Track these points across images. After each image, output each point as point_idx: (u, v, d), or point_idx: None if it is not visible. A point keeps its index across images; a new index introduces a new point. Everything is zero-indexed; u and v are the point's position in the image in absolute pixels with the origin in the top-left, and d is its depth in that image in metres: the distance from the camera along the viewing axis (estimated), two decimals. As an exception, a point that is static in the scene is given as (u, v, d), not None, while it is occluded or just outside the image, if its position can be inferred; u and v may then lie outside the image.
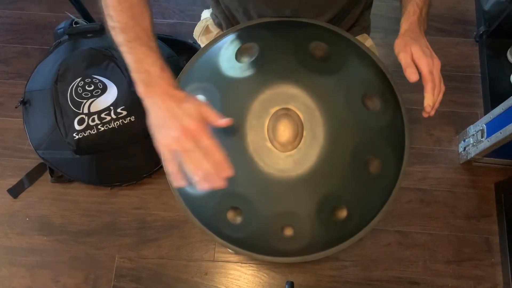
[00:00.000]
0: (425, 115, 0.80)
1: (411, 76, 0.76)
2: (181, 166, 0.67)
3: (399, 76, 0.82)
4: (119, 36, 0.72)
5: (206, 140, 0.65)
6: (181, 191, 0.83)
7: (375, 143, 0.79)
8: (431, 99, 0.77)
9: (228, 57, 0.82)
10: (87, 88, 1.41)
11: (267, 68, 0.77)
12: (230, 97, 0.77)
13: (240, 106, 0.75)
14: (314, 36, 0.84)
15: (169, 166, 0.68)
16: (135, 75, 0.71)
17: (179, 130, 0.66)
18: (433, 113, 0.80)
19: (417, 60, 0.77)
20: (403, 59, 0.77)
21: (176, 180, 0.68)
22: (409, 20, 0.82)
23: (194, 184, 0.67)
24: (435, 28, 1.88)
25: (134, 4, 0.73)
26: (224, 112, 0.77)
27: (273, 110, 0.75)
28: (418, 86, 0.80)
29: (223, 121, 0.68)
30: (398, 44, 0.80)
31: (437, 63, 0.78)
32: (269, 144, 0.74)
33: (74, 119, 1.39)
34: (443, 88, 0.80)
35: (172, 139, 0.66)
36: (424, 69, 0.76)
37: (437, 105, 0.80)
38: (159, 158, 0.82)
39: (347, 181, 0.77)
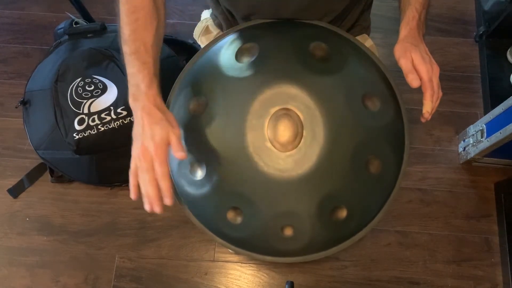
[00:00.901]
0: (423, 120, 0.81)
1: (413, 82, 0.77)
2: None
3: (399, 76, 0.82)
4: (123, 46, 0.77)
5: (158, 167, 0.71)
6: (181, 191, 0.83)
7: (375, 143, 0.79)
8: (430, 106, 0.79)
9: (228, 57, 0.82)
10: (87, 88, 1.41)
11: (267, 68, 0.77)
12: (230, 97, 0.78)
13: (240, 106, 0.75)
14: (314, 36, 0.84)
15: (130, 177, 0.75)
16: (128, 86, 0.76)
17: (140, 148, 0.72)
18: (429, 118, 0.81)
19: (417, 66, 0.78)
20: (404, 65, 0.78)
21: (131, 192, 0.75)
22: (409, 25, 0.83)
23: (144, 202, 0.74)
24: (435, 28, 1.88)
25: (140, 17, 0.77)
26: (224, 112, 0.77)
27: (273, 110, 0.75)
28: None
29: (179, 155, 0.72)
30: (398, 50, 0.80)
31: (436, 70, 0.79)
32: (269, 144, 0.74)
33: (74, 119, 1.39)
34: (440, 94, 0.81)
35: (137, 154, 0.73)
36: (424, 76, 0.78)
37: (434, 110, 0.81)
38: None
39: (347, 181, 0.77)
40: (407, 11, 0.84)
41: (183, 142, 0.79)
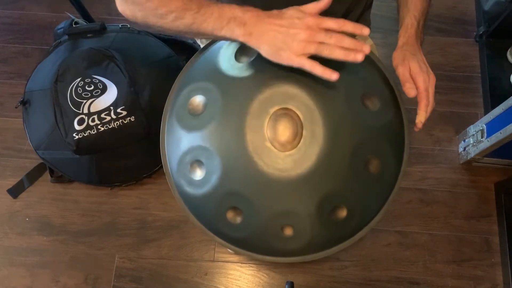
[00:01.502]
0: (416, 129, 0.83)
1: (410, 91, 0.78)
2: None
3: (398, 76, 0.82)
4: (182, 20, 0.72)
5: (329, 22, 0.66)
6: (181, 191, 0.83)
7: (375, 143, 0.79)
8: (423, 116, 0.81)
9: (228, 57, 0.82)
10: (87, 88, 1.41)
11: (267, 68, 0.77)
12: (229, 97, 0.77)
13: (239, 106, 0.75)
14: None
15: (316, 68, 0.67)
16: (225, 31, 0.70)
17: (303, 30, 0.65)
18: (422, 127, 0.83)
19: (414, 75, 0.79)
20: (402, 73, 0.79)
21: (331, 73, 0.67)
22: (407, 33, 0.83)
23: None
24: (435, 28, 1.88)
25: None
26: (223, 112, 0.77)
27: (272, 110, 0.75)
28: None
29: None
30: (396, 58, 0.81)
31: (432, 80, 0.80)
32: (268, 144, 0.74)
33: (74, 119, 1.39)
34: (434, 104, 0.82)
35: (305, 42, 0.66)
36: (421, 86, 0.79)
37: (426, 119, 0.83)
38: (159, 158, 0.83)
39: (347, 181, 0.77)
40: (405, 18, 0.84)
41: (182, 137, 0.79)
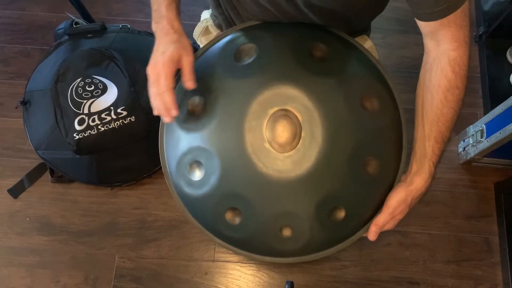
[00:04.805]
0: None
1: (372, 235, 0.82)
2: None
3: (397, 77, 0.82)
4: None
5: (163, 80, 0.75)
6: (180, 192, 0.83)
7: (374, 144, 0.79)
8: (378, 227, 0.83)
9: (227, 58, 0.82)
10: (87, 88, 1.41)
11: (266, 69, 0.77)
12: (229, 98, 0.78)
13: (238, 107, 0.76)
14: (313, 37, 0.84)
15: (149, 87, 0.78)
16: (152, 13, 0.82)
17: (151, 64, 0.77)
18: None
19: (384, 226, 0.83)
20: (383, 218, 0.82)
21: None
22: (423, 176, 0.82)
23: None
24: (435, 28, 1.87)
25: None
26: (223, 113, 0.77)
27: (271, 111, 0.75)
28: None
29: (189, 83, 0.77)
30: (396, 196, 0.81)
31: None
32: (267, 145, 0.74)
33: (75, 119, 1.39)
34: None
35: (147, 70, 0.77)
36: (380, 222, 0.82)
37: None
38: (159, 158, 0.83)
39: (346, 182, 0.77)
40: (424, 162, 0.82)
41: (181, 137, 0.80)
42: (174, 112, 0.75)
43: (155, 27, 0.81)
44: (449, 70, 0.76)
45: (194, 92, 0.81)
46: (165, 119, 0.77)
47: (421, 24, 0.77)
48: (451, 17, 0.73)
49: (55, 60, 1.51)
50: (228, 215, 0.79)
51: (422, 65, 0.81)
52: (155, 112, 0.77)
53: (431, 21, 0.74)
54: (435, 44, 0.78)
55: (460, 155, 1.64)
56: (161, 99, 0.75)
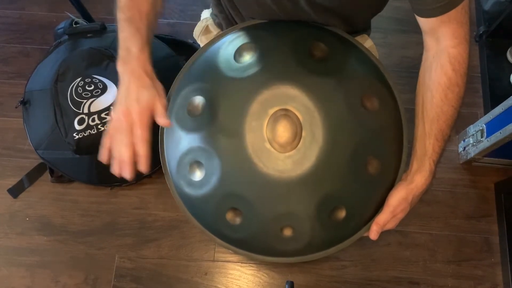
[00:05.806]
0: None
1: (373, 234, 0.81)
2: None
3: (397, 76, 0.82)
4: (118, 13, 0.78)
5: (139, 130, 0.70)
6: (180, 192, 0.83)
7: (374, 144, 0.79)
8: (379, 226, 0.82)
9: (227, 57, 0.82)
10: (87, 88, 1.41)
11: (266, 69, 0.77)
12: (229, 98, 0.77)
13: (239, 107, 0.75)
14: (314, 37, 0.84)
15: (104, 139, 0.73)
16: (119, 51, 0.76)
17: (123, 110, 0.71)
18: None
19: (386, 226, 0.82)
20: (383, 217, 0.81)
21: (101, 154, 0.73)
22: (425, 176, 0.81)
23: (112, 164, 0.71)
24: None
25: None
26: (223, 113, 0.77)
27: (272, 111, 0.75)
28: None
29: (163, 121, 0.72)
30: (397, 195, 0.81)
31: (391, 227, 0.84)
32: (268, 145, 0.74)
33: (74, 119, 1.39)
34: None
35: (117, 116, 0.71)
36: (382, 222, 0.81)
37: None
38: (159, 158, 0.83)
39: (346, 182, 0.77)
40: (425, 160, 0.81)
41: (182, 138, 0.79)
42: (145, 168, 0.70)
43: (122, 68, 0.75)
44: (449, 67, 0.76)
45: (194, 92, 0.81)
46: (127, 173, 0.70)
47: (421, 21, 0.77)
48: (451, 13, 0.73)
49: (55, 60, 1.51)
50: (229, 215, 0.79)
51: (422, 63, 0.81)
52: (115, 163, 0.70)
53: (432, 18, 0.74)
54: (435, 42, 0.78)
55: (460, 155, 1.64)
56: (130, 150, 0.69)
